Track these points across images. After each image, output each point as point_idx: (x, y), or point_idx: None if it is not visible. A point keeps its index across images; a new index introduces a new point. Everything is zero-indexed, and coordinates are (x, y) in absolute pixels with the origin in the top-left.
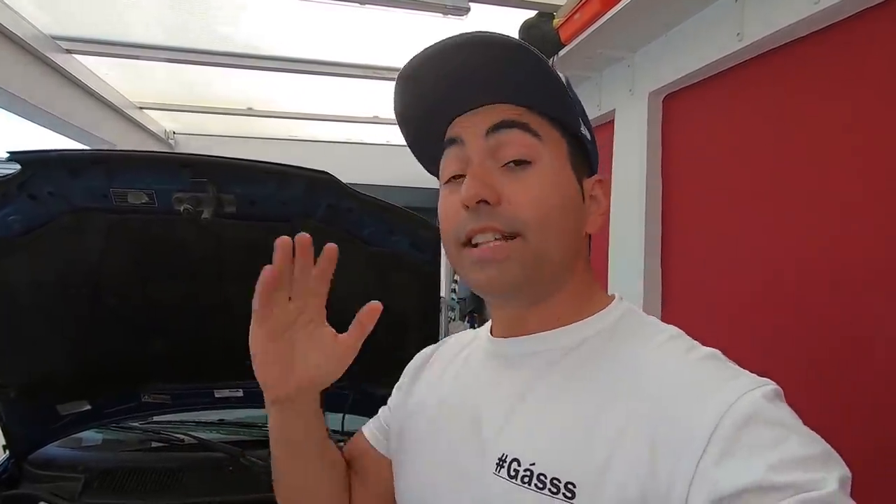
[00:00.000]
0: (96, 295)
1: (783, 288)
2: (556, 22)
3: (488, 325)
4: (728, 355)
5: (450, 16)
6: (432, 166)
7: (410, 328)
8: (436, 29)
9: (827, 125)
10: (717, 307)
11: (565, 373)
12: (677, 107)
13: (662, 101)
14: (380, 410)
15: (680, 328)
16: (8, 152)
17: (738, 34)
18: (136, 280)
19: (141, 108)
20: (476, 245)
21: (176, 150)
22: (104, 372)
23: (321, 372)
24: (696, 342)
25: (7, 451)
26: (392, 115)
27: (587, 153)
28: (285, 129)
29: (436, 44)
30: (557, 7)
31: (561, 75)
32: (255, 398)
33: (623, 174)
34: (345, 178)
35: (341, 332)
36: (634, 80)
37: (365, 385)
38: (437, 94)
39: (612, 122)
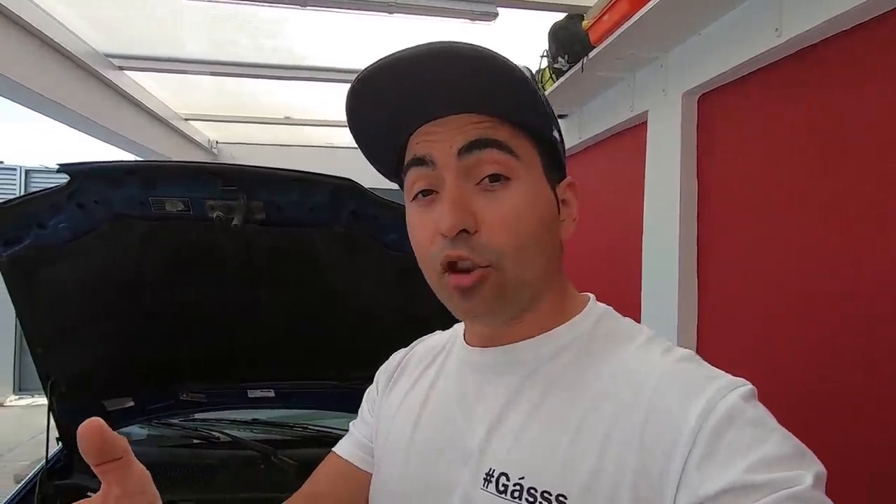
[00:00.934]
0: (136, 297)
1: (824, 293)
2: (586, 24)
3: (459, 329)
4: (765, 361)
5: (478, 21)
6: (386, 170)
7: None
8: (465, 34)
9: (871, 123)
10: (754, 311)
11: (548, 381)
12: (713, 107)
13: (697, 102)
14: (351, 427)
15: (716, 332)
16: (58, 164)
17: (776, 30)
18: (172, 283)
19: (186, 119)
20: (454, 270)
21: (219, 158)
22: (145, 370)
23: None
24: (671, 343)
25: (60, 443)
26: None
27: (559, 156)
28: (322, 136)
29: (398, 51)
30: (587, 9)
31: (527, 72)
32: (285, 399)
33: (657, 176)
34: (377, 183)
35: (368, 339)
36: (668, 80)
37: None
38: (399, 100)
39: (645, 123)
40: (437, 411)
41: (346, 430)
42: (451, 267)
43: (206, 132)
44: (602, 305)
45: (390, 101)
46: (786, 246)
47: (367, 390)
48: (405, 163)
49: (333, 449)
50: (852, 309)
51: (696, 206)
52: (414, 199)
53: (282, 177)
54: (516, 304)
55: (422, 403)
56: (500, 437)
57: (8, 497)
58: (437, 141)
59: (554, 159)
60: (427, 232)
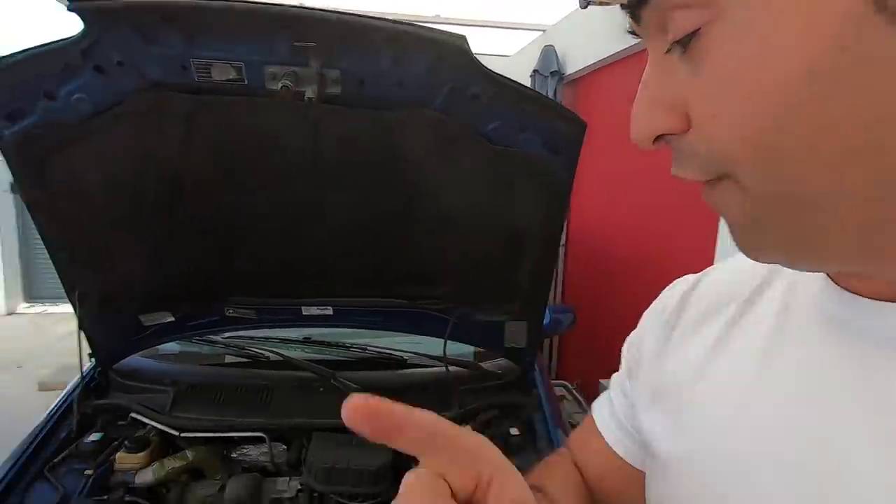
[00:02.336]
0: (176, 195)
1: None
2: None
3: None
4: None
5: None
6: None
7: (528, 249)
8: None
9: None
10: None
11: None
12: None
13: None
14: (608, 394)
15: None
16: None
17: None
18: (219, 179)
19: None
20: None
21: None
22: (186, 283)
23: None
24: None
25: (93, 360)
26: None
27: None
28: None
29: None
30: None
31: None
32: (345, 317)
33: None
34: None
35: (448, 254)
36: None
37: (467, 309)
38: None
39: None
40: (776, 405)
41: (409, 353)
42: None
43: None
44: None
45: None
46: None
47: (627, 341)
48: None
49: (596, 422)
50: None
51: None
52: None
53: (374, 30)
54: (823, 238)
55: (740, 394)
56: None
57: (43, 417)
58: None
59: None
60: None
